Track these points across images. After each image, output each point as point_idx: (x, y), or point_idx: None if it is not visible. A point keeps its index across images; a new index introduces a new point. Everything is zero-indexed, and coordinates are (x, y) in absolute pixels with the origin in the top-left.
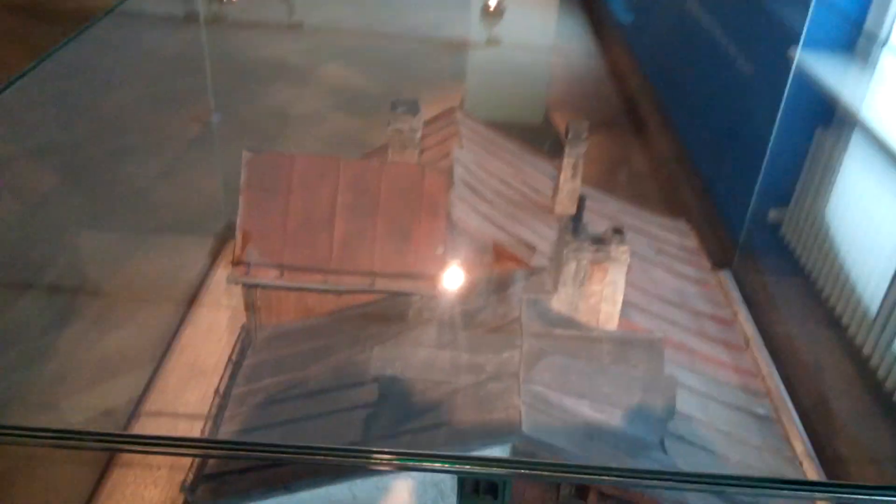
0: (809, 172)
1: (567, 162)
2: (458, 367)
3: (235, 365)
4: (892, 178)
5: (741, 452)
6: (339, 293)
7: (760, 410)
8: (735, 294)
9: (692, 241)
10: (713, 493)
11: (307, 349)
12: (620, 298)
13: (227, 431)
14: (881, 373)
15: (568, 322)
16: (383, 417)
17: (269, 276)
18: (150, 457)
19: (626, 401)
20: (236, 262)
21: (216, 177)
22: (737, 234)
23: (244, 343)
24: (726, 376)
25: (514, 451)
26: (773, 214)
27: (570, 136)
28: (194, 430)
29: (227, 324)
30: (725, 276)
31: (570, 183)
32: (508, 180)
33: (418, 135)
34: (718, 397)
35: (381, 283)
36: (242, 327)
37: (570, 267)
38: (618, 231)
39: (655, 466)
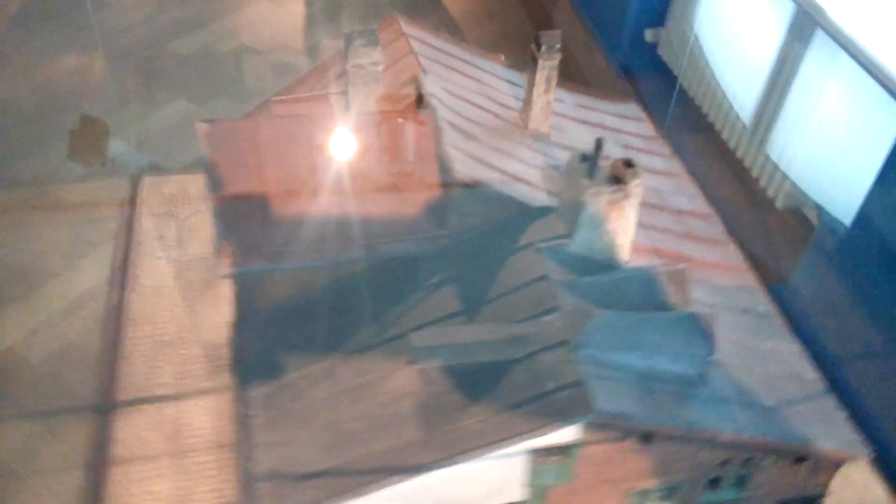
0: None
1: (540, 76)
2: (500, 341)
3: (241, 364)
4: None
5: (759, 361)
6: (340, 266)
7: (761, 308)
8: None
9: (648, 126)
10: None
11: (320, 330)
12: (633, 229)
13: (265, 442)
14: (762, 182)
15: (589, 266)
16: (435, 406)
17: (260, 261)
18: (146, 445)
19: (669, 344)
20: (221, 252)
21: None
22: (614, 58)
23: (242, 332)
24: (722, 278)
25: (587, 425)
26: (649, 35)
27: (542, 49)
28: (184, 414)
29: (173, 277)
30: None
31: (543, 97)
32: (475, 99)
33: (380, 68)
34: (725, 304)
35: (383, 249)
36: (236, 314)
37: (589, 211)
38: (629, 164)
39: (700, 401)
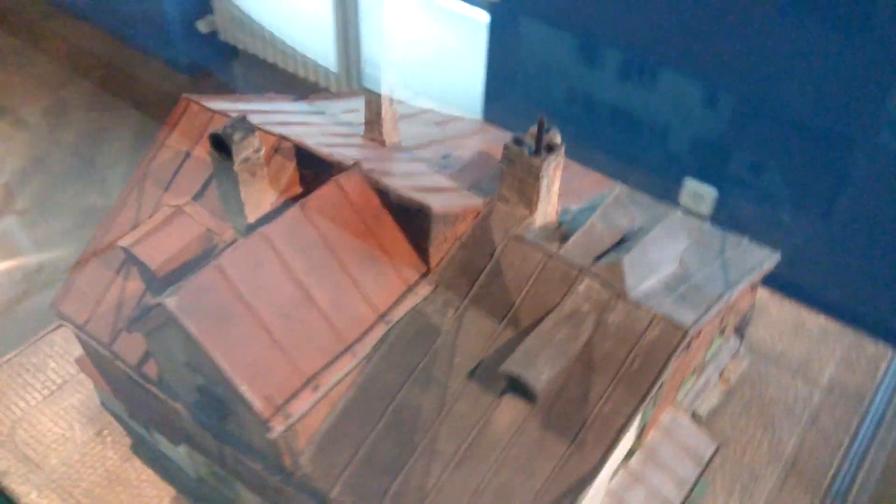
0: None
1: (385, 95)
2: (568, 326)
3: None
4: None
5: (676, 234)
6: (368, 357)
7: (636, 196)
8: None
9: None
10: None
11: (381, 431)
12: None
13: None
14: None
15: (553, 230)
16: (557, 415)
17: (306, 401)
18: None
19: (663, 255)
20: (269, 417)
21: None
22: (176, 59)
23: (299, 474)
24: (599, 188)
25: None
26: (202, 26)
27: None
28: None
29: (71, 482)
30: None
31: (391, 111)
32: (335, 141)
33: (262, 152)
34: (626, 205)
35: (394, 315)
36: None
37: (544, 183)
38: (541, 123)
39: (700, 283)
